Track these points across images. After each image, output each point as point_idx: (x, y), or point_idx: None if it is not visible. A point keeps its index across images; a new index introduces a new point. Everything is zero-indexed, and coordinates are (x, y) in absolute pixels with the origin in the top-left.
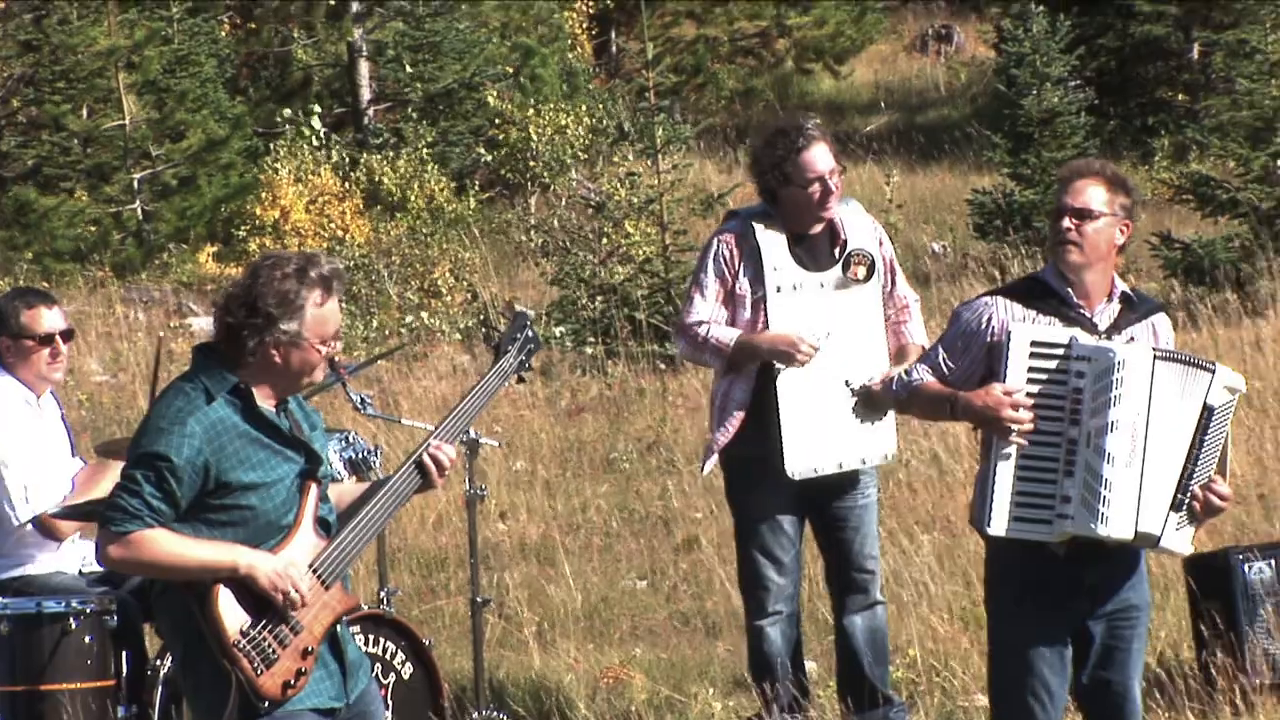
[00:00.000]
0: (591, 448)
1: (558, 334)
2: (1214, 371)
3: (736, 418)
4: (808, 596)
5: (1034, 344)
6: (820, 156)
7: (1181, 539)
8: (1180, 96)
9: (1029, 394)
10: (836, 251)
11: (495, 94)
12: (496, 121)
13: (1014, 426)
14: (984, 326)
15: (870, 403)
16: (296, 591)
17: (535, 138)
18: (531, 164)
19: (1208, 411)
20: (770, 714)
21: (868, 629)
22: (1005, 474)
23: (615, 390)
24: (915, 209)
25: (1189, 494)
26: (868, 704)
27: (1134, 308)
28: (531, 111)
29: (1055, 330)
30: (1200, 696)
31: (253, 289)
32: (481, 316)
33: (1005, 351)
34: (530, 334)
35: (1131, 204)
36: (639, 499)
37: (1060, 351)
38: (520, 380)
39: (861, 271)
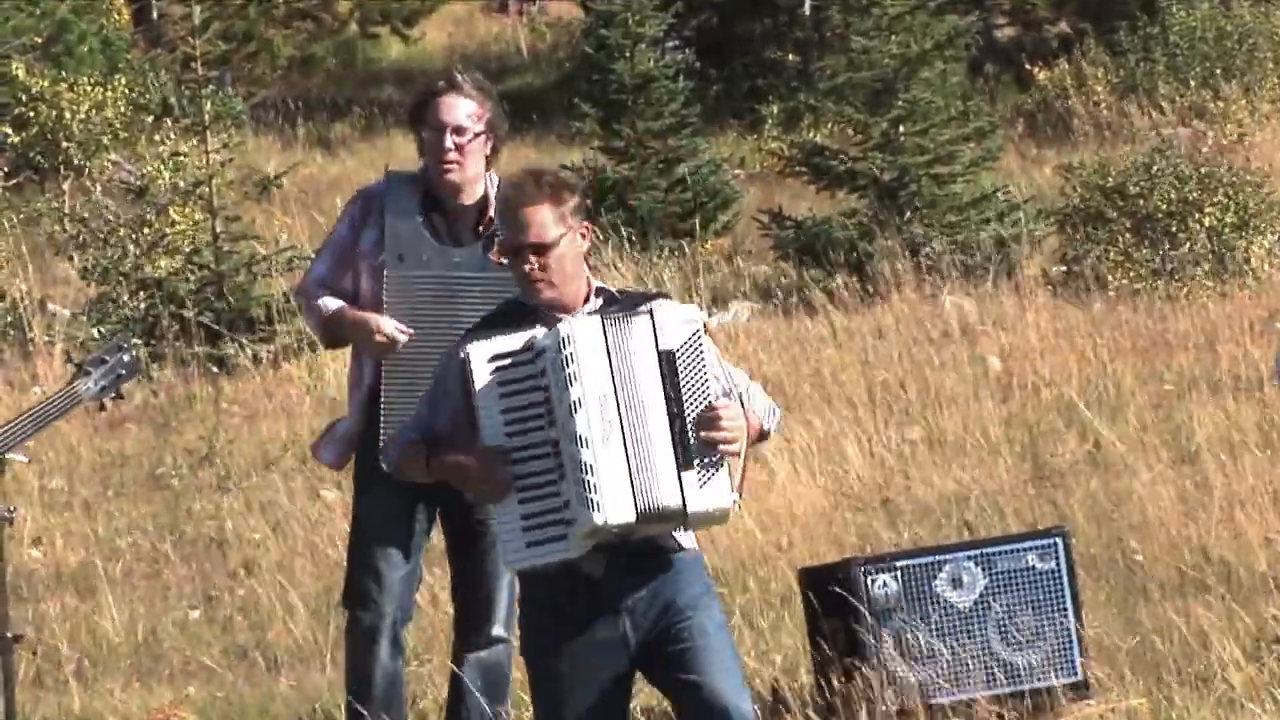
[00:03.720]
0: (136, 463)
1: (96, 335)
2: (650, 313)
3: (356, 402)
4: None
5: (495, 358)
6: (452, 105)
7: (713, 495)
8: (791, 56)
9: (506, 410)
10: (481, 229)
11: (24, 68)
12: (25, 99)
13: (479, 491)
14: (454, 368)
15: None
16: None
17: (69, 116)
18: (65, 145)
19: (666, 358)
20: None
21: (484, 668)
22: (508, 502)
23: (162, 397)
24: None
25: (692, 447)
26: None
27: (616, 303)
28: (64, 87)
29: (512, 338)
30: None
31: None
32: (9, 318)
33: (469, 377)
34: (126, 358)
35: (581, 202)
36: (190, 519)
37: (526, 356)
38: (102, 408)
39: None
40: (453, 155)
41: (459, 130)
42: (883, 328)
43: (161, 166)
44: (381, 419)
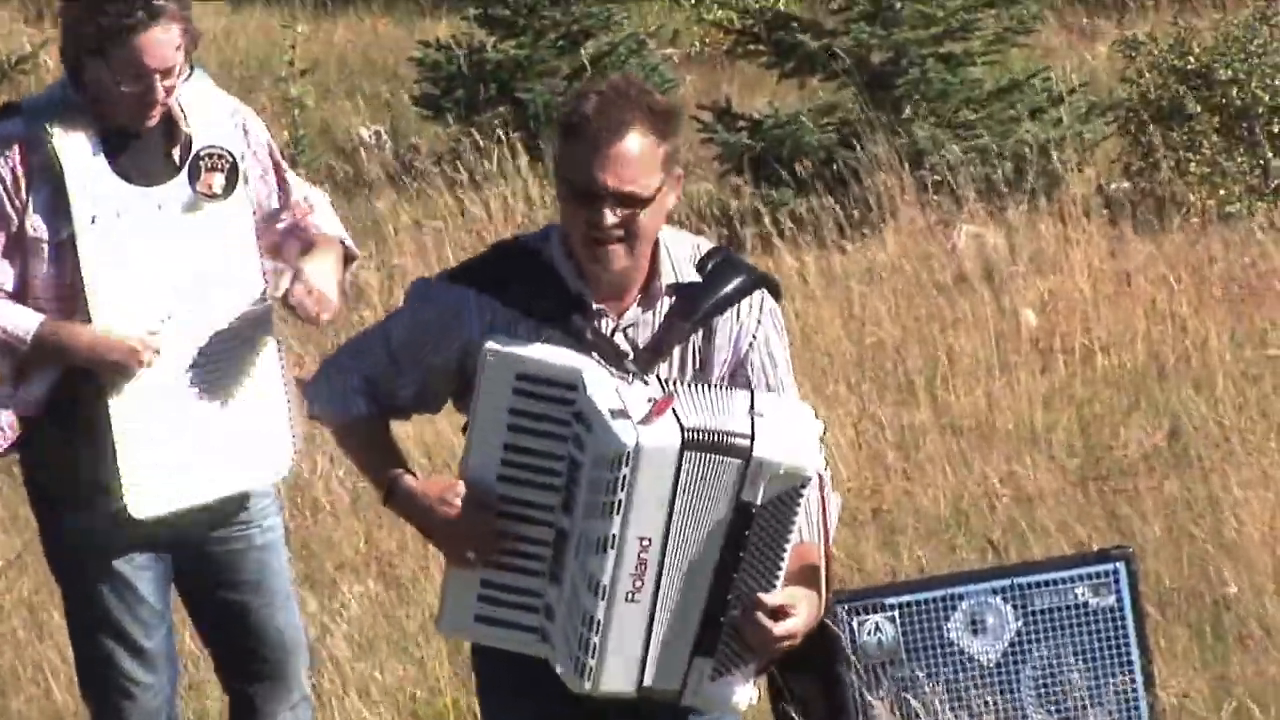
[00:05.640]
0: None
1: None
2: (747, 456)
3: (10, 420)
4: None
5: (521, 378)
6: (157, 43)
7: (719, 693)
8: None
9: (509, 446)
10: (177, 154)
11: None
12: None
13: (455, 556)
14: (456, 328)
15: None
16: None
17: None
18: None
19: (742, 514)
20: None
21: None
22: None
23: None
24: (333, 76)
25: (722, 633)
26: None
27: (692, 306)
28: None
29: (557, 357)
30: None
31: None
32: None
33: (480, 381)
34: None
35: (679, 140)
36: None
37: (561, 394)
38: None
39: (217, 181)
40: (161, 101)
41: (168, 72)
42: (874, 269)
43: None
44: (119, 455)
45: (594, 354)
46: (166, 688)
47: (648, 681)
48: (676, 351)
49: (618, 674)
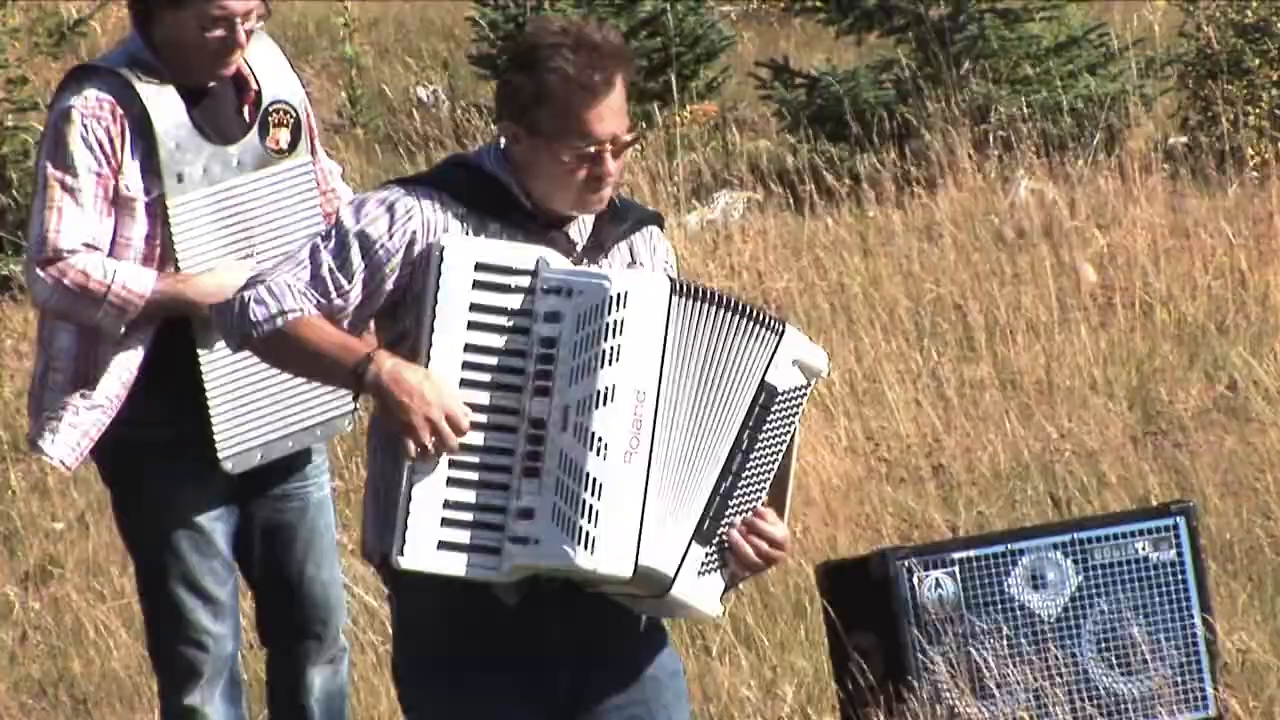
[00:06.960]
0: None
1: None
2: (781, 334)
3: (121, 386)
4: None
5: (481, 268)
6: None
7: (706, 590)
8: None
9: (469, 346)
10: (247, 110)
11: None
12: None
13: (428, 439)
14: (402, 232)
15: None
16: None
17: None
18: None
19: (766, 394)
20: None
21: (326, 694)
22: (431, 476)
23: None
24: (390, 36)
25: (725, 522)
26: None
27: (619, 217)
28: None
29: (513, 249)
30: None
31: None
32: None
33: (434, 277)
34: None
35: None
36: None
37: (524, 281)
38: None
39: (284, 137)
40: (241, 45)
41: (247, 14)
42: (933, 225)
43: None
44: (213, 412)
45: (544, 244)
46: (232, 640)
47: (644, 560)
48: (615, 250)
49: (617, 546)
